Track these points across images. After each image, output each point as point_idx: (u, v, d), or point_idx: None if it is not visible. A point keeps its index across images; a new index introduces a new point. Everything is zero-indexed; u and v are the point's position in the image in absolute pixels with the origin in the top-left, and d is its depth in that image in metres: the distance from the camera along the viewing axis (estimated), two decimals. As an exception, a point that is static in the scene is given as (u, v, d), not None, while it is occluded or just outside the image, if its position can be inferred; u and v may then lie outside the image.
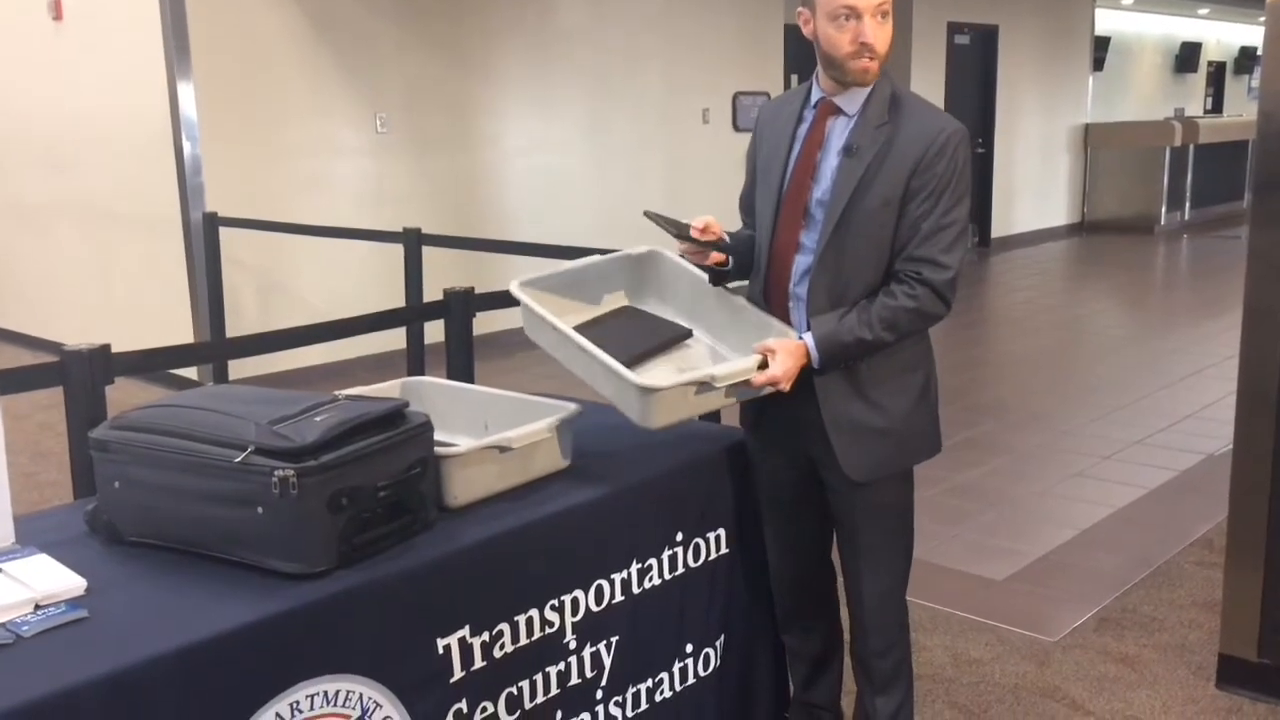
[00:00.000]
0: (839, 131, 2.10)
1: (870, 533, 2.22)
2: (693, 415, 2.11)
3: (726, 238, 2.22)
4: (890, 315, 2.04)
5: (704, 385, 2.02)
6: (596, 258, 2.36)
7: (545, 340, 2.16)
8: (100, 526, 1.78)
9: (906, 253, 2.05)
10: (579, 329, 2.11)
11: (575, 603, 1.99)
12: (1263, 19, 2.53)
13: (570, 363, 2.12)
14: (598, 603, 2.03)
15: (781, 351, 2.05)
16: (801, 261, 2.13)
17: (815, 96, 2.15)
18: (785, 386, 2.06)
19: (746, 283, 2.29)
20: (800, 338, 2.09)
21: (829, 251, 2.08)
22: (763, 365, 2.06)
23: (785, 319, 2.17)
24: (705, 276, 2.25)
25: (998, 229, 11.82)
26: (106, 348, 2.23)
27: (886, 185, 2.04)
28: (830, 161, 2.10)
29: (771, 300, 2.19)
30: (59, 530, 1.81)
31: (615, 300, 2.36)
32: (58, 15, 6.51)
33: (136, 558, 1.71)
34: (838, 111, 2.11)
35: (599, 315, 2.31)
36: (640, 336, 2.25)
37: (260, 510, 1.60)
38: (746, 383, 2.05)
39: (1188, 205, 13.09)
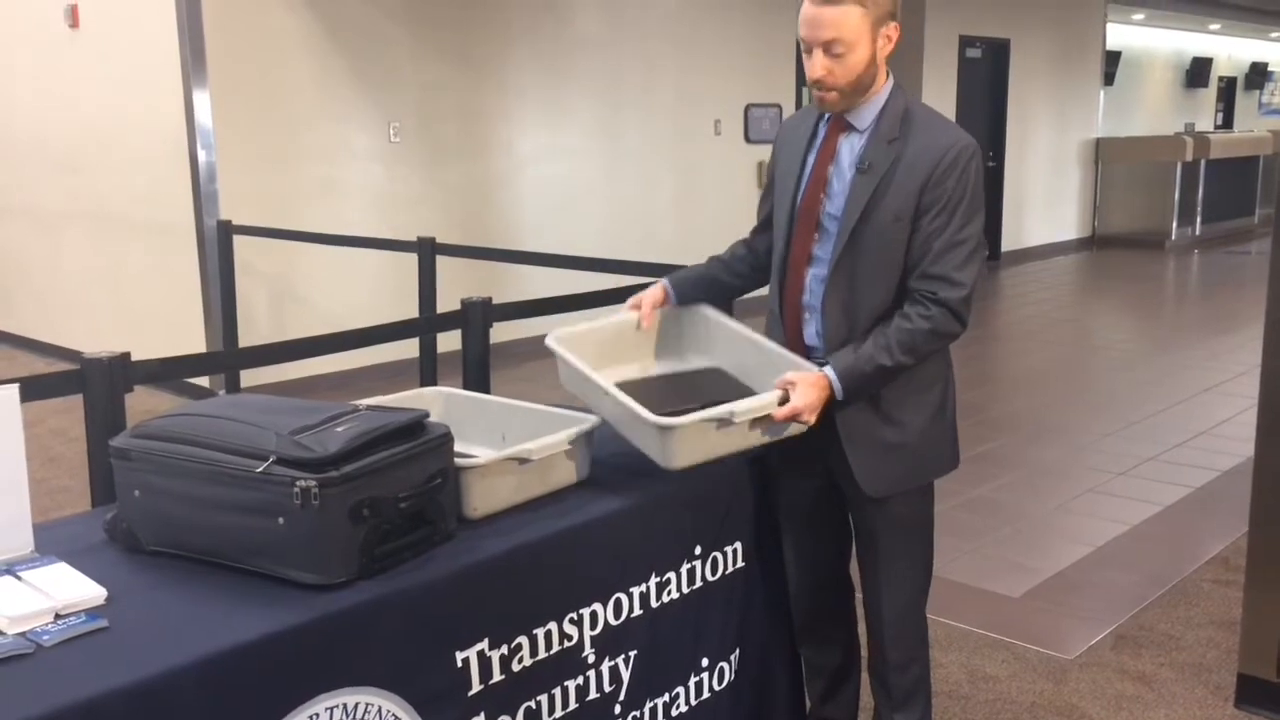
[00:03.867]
0: (850, 147, 2.11)
1: (889, 547, 2.21)
2: (719, 455, 2.05)
3: (669, 290, 2.32)
4: (908, 339, 2.03)
5: (724, 421, 1.98)
6: (632, 313, 2.34)
7: (573, 385, 2.18)
8: (120, 535, 1.77)
9: (920, 270, 2.05)
10: (621, 385, 2.10)
11: (594, 616, 1.98)
12: (1275, 35, 2.51)
13: (597, 406, 2.13)
14: (616, 616, 2.02)
15: (802, 384, 2.02)
16: (815, 273, 2.14)
17: (829, 113, 2.16)
18: (810, 419, 2.03)
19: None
20: (820, 370, 2.06)
21: (842, 265, 2.09)
22: (784, 401, 2.02)
23: (799, 331, 2.17)
24: (748, 333, 2.25)
25: (1008, 243, 11.81)
26: (126, 356, 2.23)
27: (898, 200, 2.04)
28: (843, 176, 2.10)
29: (785, 312, 2.20)
30: (78, 539, 1.80)
31: (654, 354, 2.34)
32: (74, 24, 6.54)
33: (156, 567, 1.70)
34: (849, 127, 2.12)
35: (648, 377, 2.32)
36: (680, 394, 2.24)
37: (281, 520, 1.59)
38: (769, 418, 2.01)
39: (1199, 220, 13.05)
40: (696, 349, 2.37)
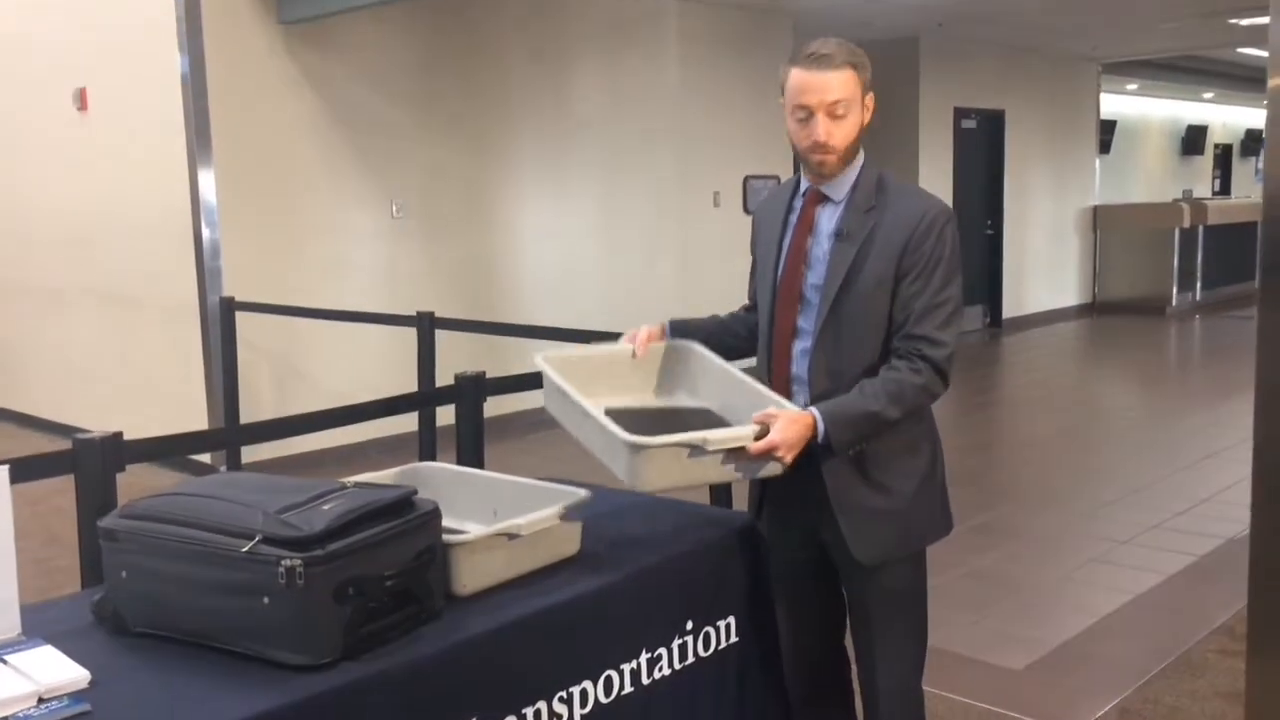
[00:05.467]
0: (828, 217, 2.16)
1: (882, 617, 2.20)
2: (688, 482, 2.02)
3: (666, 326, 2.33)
4: (896, 389, 2.05)
5: (696, 448, 1.96)
6: (626, 344, 2.35)
7: (554, 406, 2.18)
8: (107, 617, 1.76)
9: (904, 331, 2.08)
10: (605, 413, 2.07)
11: (584, 694, 1.96)
12: (1266, 102, 2.56)
13: (575, 429, 2.13)
14: (607, 694, 2.00)
15: (783, 418, 1.98)
16: (800, 345, 2.17)
17: (804, 186, 2.22)
18: (786, 457, 1.98)
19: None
20: (806, 410, 2.06)
21: (825, 333, 2.12)
22: (762, 435, 1.98)
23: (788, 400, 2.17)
24: (738, 374, 2.22)
25: (1009, 310, 11.85)
26: (118, 435, 2.24)
27: (878, 266, 2.08)
28: (821, 246, 2.15)
29: (773, 386, 2.20)
30: (65, 620, 1.79)
31: (643, 388, 2.34)
32: (83, 107, 6.67)
33: (142, 649, 1.69)
34: (825, 199, 2.17)
35: (632, 408, 2.28)
36: (661, 427, 2.14)
37: (266, 600, 1.59)
38: (744, 451, 1.97)
39: (1199, 286, 13.11)
40: (686, 388, 2.35)
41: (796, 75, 2.07)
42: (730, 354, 2.43)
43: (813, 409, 2.05)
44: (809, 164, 2.14)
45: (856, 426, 2.05)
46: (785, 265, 2.19)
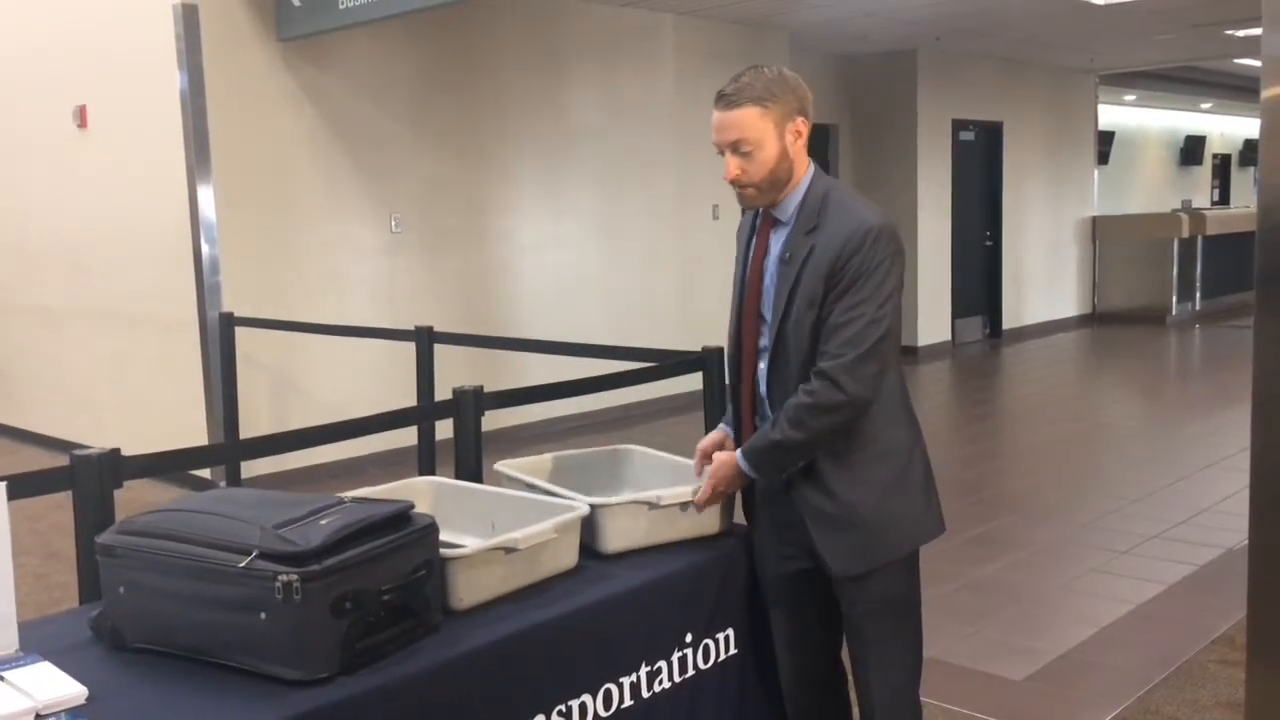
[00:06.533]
0: (776, 239, 2.20)
1: (874, 627, 2.20)
2: (651, 541, 2.24)
3: (727, 437, 2.37)
4: (793, 414, 2.09)
5: (652, 505, 2.22)
6: (576, 450, 2.61)
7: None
8: (105, 633, 1.77)
9: (820, 347, 2.09)
10: None
11: (583, 708, 1.97)
12: (1260, 113, 2.57)
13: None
14: (606, 708, 2.00)
15: (716, 460, 2.24)
16: (762, 366, 2.23)
17: (762, 209, 2.25)
18: (724, 490, 2.25)
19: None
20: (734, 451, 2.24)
21: (777, 355, 2.17)
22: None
23: (753, 424, 2.25)
24: (683, 461, 2.47)
25: (1009, 320, 11.86)
26: (116, 451, 2.24)
27: (809, 287, 2.10)
28: (771, 269, 2.19)
29: (742, 405, 2.27)
30: (63, 636, 1.80)
31: (590, 492, 2.43)
32: (83, 124, 6.69)
33: (139, 665, 1.70)
34: (776, 222, 2.21)
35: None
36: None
37: (263, 616, 1.59)
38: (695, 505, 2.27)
39: (1198, 296, 13.11)
40: (632, 484, 2.56)
41: (713, 114, 2.13)
42: None
43: (737, 451, 2.22)
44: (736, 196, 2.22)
45: (768, 455, 2.16)
46: (748, 287, 2.25)
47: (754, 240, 2.26)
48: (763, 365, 2.21)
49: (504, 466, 2.46)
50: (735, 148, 2.11)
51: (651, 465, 2.58)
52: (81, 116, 6.69)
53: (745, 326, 2.25)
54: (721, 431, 2.39)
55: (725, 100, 2.10)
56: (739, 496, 2.35)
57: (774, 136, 2.10)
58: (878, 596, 2.18)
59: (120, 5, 6.37)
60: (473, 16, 6.98)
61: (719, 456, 2.24)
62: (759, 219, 2.26)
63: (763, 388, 2.22)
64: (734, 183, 2.15)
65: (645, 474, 2.56)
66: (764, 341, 2.20)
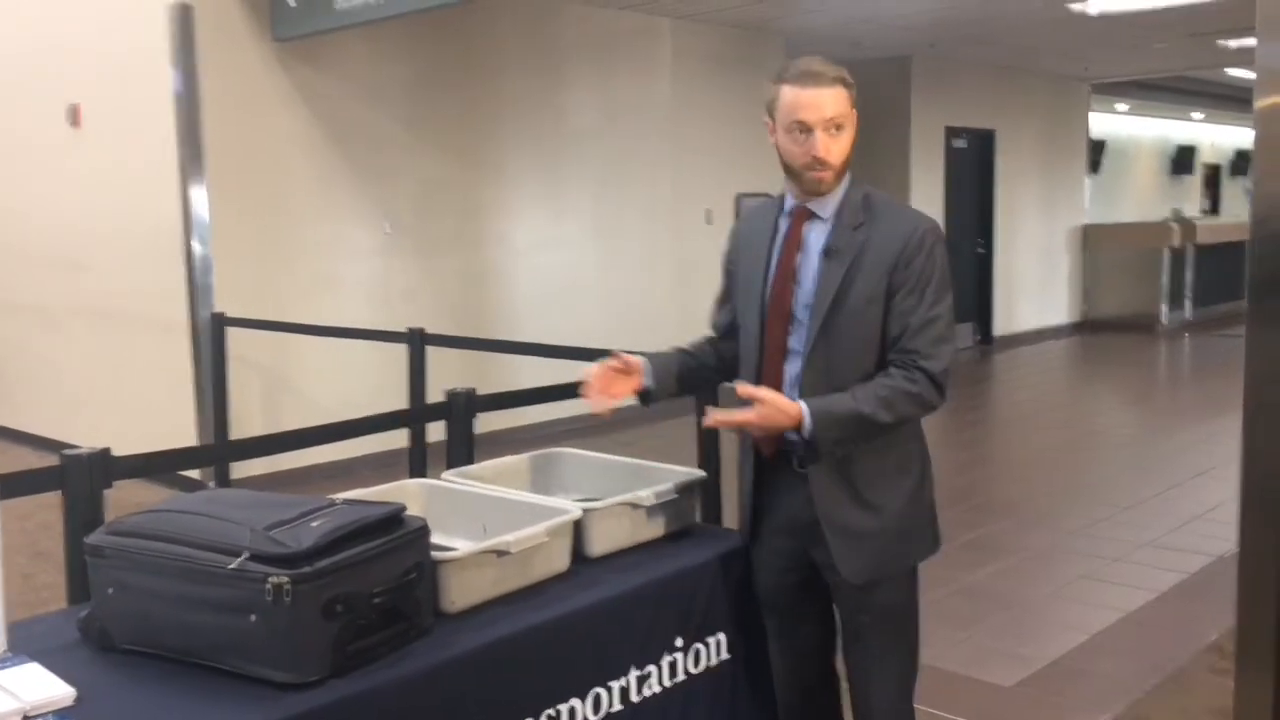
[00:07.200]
0: (816, 234, 2.15)
1: (875, 636, 2.19)
2: (633, 541, 2.24)
3: (644, 364, 2.30)
4: (889, 394, 2.05)
5: (635, 505, 2.22)
6: (510, 457, 2.56)
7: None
8: (93, 634, 1.76)
9: (899, 346, 2.08)
10: None
11: (573, 712, 1.96)
12: (1254, 123, 2.58)
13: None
14: (595, 712, 2.00)
15: (769, 403, 2.03)
16: (791, 367, 2.15)
17: (789, 204, 2.21)
18: (757, 428, 2.07)
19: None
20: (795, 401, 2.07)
21: (817, 352, 2.11)
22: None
23: None
24: (615, 460, 2.50)
25: (1000, 327, 11.88)
26: (106, 451, 2.23)
27: (869, 284, 2.08)
28: (811, 264, 2.14)
29: None
30: (52, 637, 1.79)
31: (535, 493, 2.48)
32: (76, 123, 6.67)
33: (128, 666, 1.69)
34: (812, 216, 2.17)
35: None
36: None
37: (253, 618, 1.59)
38: (674, 504, 2.28)
39: (1189, 304, 13.15)
40: (567, 487, 2.52)
41: (791, 92, 2.08)
42: (703, 386, 2.46)
43: (801, 402, 2.05)
44: (804, 180, 2.12)
45: (843, 426, 2.05)
46: (773, 284, 2.18)
47: (778, 237, 2.20)
48: (792, 366, 2.14)
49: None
50: (829, 126, 2.08)
51: (585, 466, 2.57)
52: (75, 115, 6.66)
53: (770, 325, 2.17)
54: (637, 359, 2.28)
55: (818, 78, 2.07)
56: (735, 500, 2.33)
57: (852, 121, 2.12)
58: (880, 606, 2.17)
59: (114, 4, 6.36)
60: (470, 18, 6.97)
61: (770, 394, 2.04)
62: (784, 215, 2.21)
63: (786, 389, 2.13)
64: (820, 162, 2.08)
65: (580, 476, 2.54)
66: (794, 343, 2.14)
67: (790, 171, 2.14)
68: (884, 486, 2.14)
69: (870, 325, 2.09)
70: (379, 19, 5.58)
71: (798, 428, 2.05)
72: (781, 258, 2.18)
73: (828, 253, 2.12)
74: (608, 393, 2.23)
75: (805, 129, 2.07)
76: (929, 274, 2.08)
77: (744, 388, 2.09)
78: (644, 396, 2.30)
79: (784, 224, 2.20)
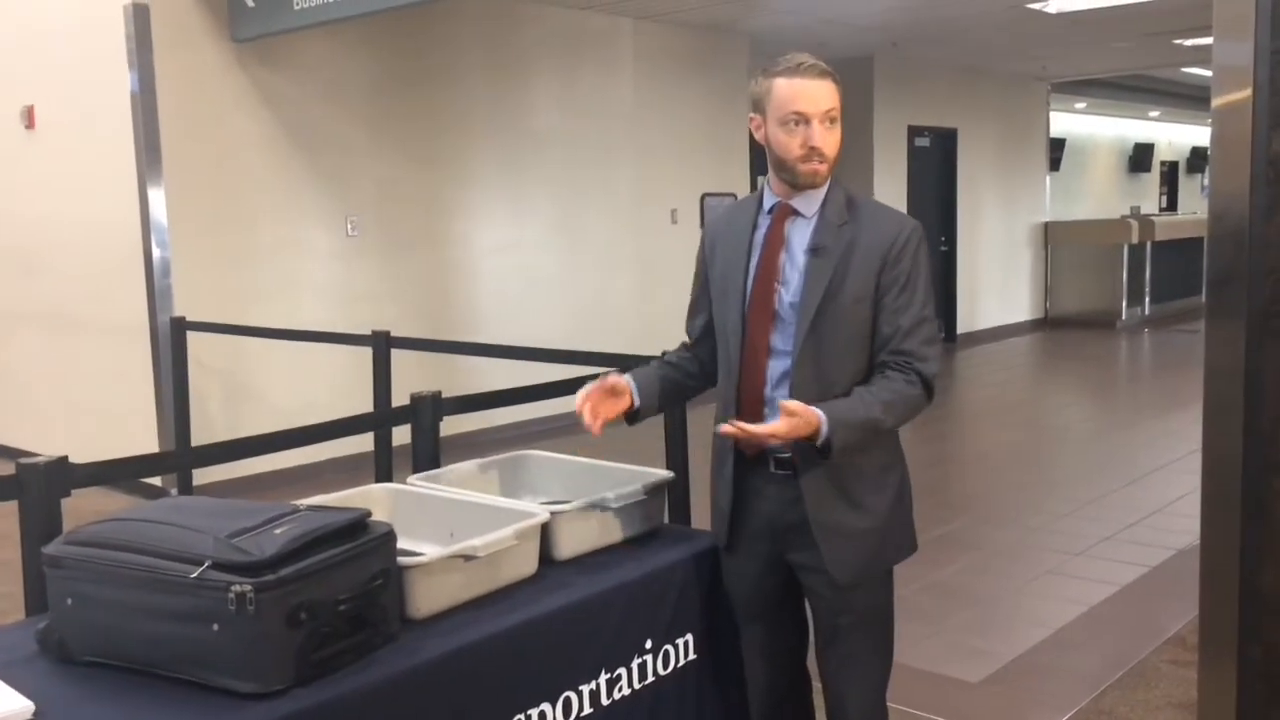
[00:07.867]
0: (799, 232, 2.13)
1: (853, 638, 2.19)
2: (602, 543, 2.25)
3: (632, 385, 2.29)
4: (893, 398, 2.06)
5: (603, 507, 2.24)
6: (476, 461, 2.55)
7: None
8: (52, 646, 1.73)
9: (892, 346, 2.08)
10: None
11: (543, 716, 1.95)
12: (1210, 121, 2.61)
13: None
14: (565, 716, 1.99)
15: (801, 414, 1.97)
16: (775, 366, 2.13)
17: (769, 202, 2.19)
18: (779, 439, 2.00)
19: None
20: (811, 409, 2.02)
21: (806, 351, 2.09)
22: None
23: (759, 422, 2.14)
24: (581, 461, 2.52)
25: (963, 324, 11.99)
26: (64, 460, 2.19)
27: (857, 282, 2.08)
28: (795, 262, 2.12)
29: (744, 407, 2.16)
30: (9, 650, 1.75)
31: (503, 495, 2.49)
32: (30, 125, 6.57)
33: (88, 679, 1.66)
34: (795, 214, 2.15)
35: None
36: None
37: (216, 627, 1.56)
38: (643, 505, 2.29)
39: (1148, 300, 13.34)
40: (534, 489, 2.53)
41: (787, 84, 2.07)
42: (686, 396, 2.46)
43: (818, 410, 2.00)
44: (799, 173, 2.09)
45: (860, 432, 2.04)
46: (756, 282, 2.15)
47: (758, 235, 2.17)
48: (777, 364, 2.11)
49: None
50: (826, 117, 2.08)
51: (553, 469, 2.56)
52: (29, 117, 6.56)
53: (753, 324, 2.14)
54: (625, 381, 2.26)
55: (814, 70, 2.07)
56: (705, 501, 2.33)
57: (840, 119, 2.13)
58: (859, 607, 2.18)
59: (69, 4, 6.26)
60: (430, 18, 6.93)
61: (799, 407, 1.97)
62: (764, 213, 2.19)
63: (771, 388, 2.11)
64: (817, 153, 2.07)
65: (547, 478, 2.54)
66: (778, 342, 2.11)
67: (783, 166, 2.11)
68: (872, 486, 2.15)
69: (858, 324, 2.09)
70: (338, 19, 5.53)
71: (814, 436, 2.01)
72: (764, 256, 2.15)
73: (815, 251, 2.10)
74: (596, 412, 2.22)
75: (802, 120, 2.07)
76: (917, 274, 2.09)
77: (785, 403, 2.00)
78: (631, 417, 2.31)
79: (764, 222, 2.18)
